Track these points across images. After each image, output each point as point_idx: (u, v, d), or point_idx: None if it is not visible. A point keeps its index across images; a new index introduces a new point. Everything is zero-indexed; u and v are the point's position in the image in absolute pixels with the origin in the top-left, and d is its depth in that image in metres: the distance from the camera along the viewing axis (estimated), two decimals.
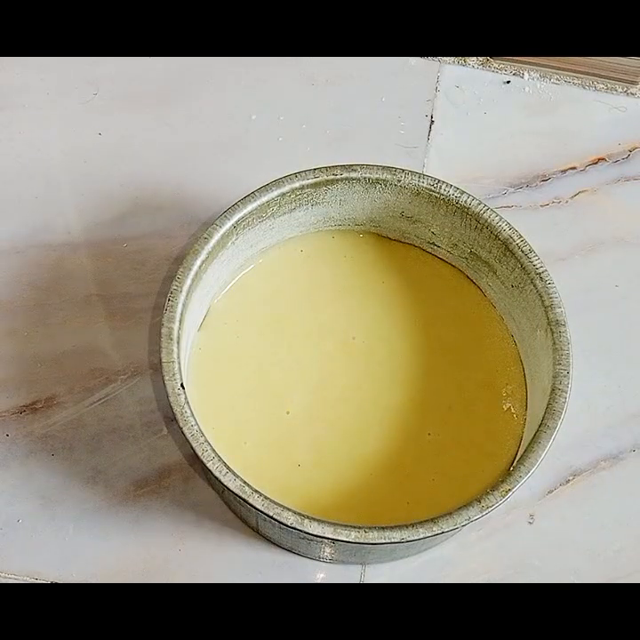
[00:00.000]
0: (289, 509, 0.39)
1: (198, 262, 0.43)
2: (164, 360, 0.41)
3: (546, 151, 0.57)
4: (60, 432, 0.49)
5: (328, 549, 0.44)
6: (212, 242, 0.43)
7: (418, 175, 0.45)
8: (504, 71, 0.59)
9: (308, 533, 0.39)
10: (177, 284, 0.43)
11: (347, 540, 0.38)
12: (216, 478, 0.39)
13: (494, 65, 0.59)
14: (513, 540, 0.48)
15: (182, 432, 0.40)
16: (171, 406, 0.40)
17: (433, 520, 0.39)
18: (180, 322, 0.42)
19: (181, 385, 0.41)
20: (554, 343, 0.42)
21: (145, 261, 0.53)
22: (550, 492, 0.49)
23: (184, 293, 0.42)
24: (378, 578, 0.47)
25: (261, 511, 0.39)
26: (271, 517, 0.39)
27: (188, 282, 0.43)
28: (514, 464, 0.41)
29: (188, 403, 0.40)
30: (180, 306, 0.42)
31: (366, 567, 0.47)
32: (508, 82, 0.59)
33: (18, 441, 0.49)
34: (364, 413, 0.46)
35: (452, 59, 0.59)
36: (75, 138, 0.56)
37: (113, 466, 0.48)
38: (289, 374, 0.46)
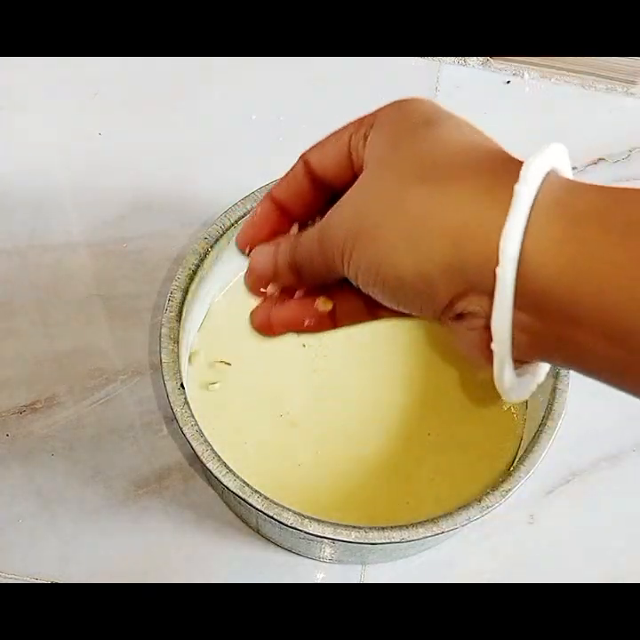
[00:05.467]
0: (289, 509, 0.39)
1: (198, 262, 0.43)
2: (164, 360, 0.41)
3: None
4: (59, 432, 0.49)
5: (328, 549, 0.44)
6: (212, 242, 0.43)
7: None
8: (504, 71, 0.59)
9: (308, 533, 0.39)
10: (177, 283, 0.43)
11: (347, 540, 0.38)
12: (216, 478, 0.39)
13: (494, 65, 0.59)
14: (513, 540, 0.48)
15: (182, 432, 0.40)
16: (171, 406, 0.40)
17: (433, 520, 0.39)
18: (180, 322, 0.42)
19: (181, 385, 0.41)
20: None
21: (145, 261, 0.53)
22: (550, 492, 0.49)
23: (184, 293, 0.42)
24: (378, 578, 0.47)
25: (261, 511, 0.39)
26: (271, 517, 0.39)
27: (188, 282, 0.43)
28: (514, 464, 0.41)
29: (187, 403, 0.40)
30: (179, 306, 0.42)
31: (366, 567, 0.47)
32: (508, 82, 0.59)
33: (18, 441, 0.49)
34: (364, 413, 0.46)
35: (452, 59, 0.59)
36: (75, 138, 0.56)
37: (113, 466, 0.48)
38: (289, 374, 0.46)
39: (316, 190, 0.31)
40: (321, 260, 0.29)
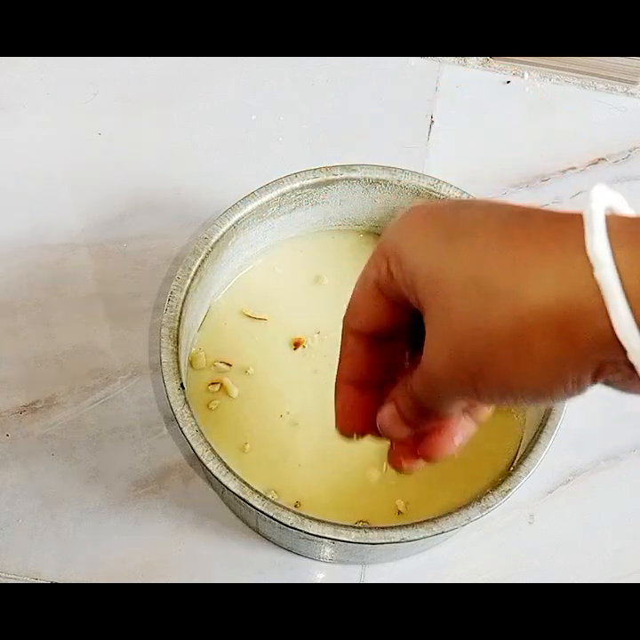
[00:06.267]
0: (289, 509, 0.39)
1: (198, 262, 0.43)
2: (163, 360, 0.41)
3: (546, 151, 0.57)
4: (59, 432, 0.49)
5: (328, 549, 0.44)
6: (212, 242, 0.43)
7: (418, 175, 0.45)
8: (504, 71, 0.59)
9: (308, 533, 0.39)
10: (177, 283, 0.43)
11: (347, 540, 0.38)
12: (216, 478, 0.39)
13: (494, 65, 0.59)
14: (513, 540, 0.48)
15: (182, 432, 0.40)
16: (171, 406, 0.40)
17: (433, 520, 0.39)
18: (180, 322, 0.42)
19: (181, 385, 0.41)
20: None
21: (145, 261, 0.53)
22: (550, 492, 0.49)
23: (184, 293, 0.42)
24: (378, 578, 0.47)
25: (261, 511, 0.39)
26: (271, 517, 0.39)
27: (188, 282, 0.43)
28: (514, 464, 0.41)
29: (187, 403, 0.40)
30: (179, 306, 0.42)
31: (366, 567, 0.47)
32: (508, 82, 0.59)
33: (18, 441, 0.49)
34: None
35: (452, 59, 0.59)
36: (75, 138, 0.56)
37: (113, 466, 0.48)
38: (289, 374, 0.46)
39: (379, 348, 0.30)
40: (444, 399, 0.28)
